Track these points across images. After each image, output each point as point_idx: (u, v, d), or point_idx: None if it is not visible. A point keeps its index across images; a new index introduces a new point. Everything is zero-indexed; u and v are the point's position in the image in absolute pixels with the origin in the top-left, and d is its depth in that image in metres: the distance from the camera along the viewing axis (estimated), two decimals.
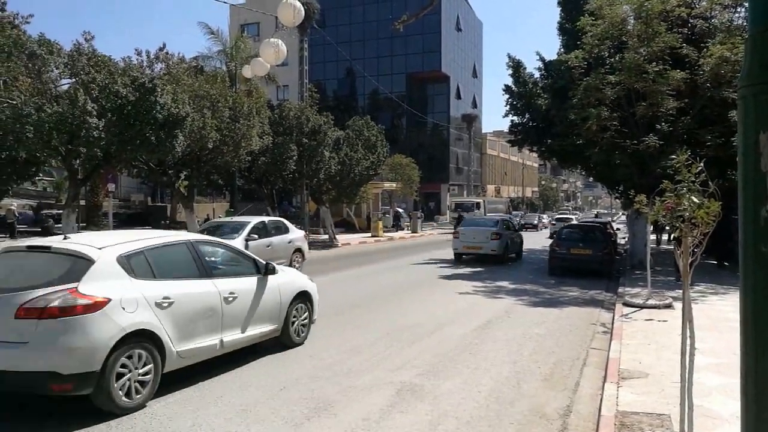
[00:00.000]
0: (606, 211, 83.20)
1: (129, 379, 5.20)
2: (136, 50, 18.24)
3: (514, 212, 56.68)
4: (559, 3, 22.35)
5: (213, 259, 6.90)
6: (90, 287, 5.13)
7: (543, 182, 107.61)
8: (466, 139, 68.78)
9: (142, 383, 5.33)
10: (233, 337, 6.56)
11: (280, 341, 7.50)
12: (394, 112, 60.31)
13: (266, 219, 16.25)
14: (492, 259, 19.41)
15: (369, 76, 55.64)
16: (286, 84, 46.45)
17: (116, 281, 5.37)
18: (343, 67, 62.25)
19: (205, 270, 6.42)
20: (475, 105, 73.31)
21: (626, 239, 25.10)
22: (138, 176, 33.05)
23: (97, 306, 5.04)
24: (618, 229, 26.82)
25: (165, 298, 5.65)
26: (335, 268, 17.47)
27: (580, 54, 16.41)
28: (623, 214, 59.46)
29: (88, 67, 15.84)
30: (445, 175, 62.91)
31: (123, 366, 5.15)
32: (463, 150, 68.61)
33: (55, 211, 30.25)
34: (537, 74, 23.23)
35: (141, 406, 5.31)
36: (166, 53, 19.05)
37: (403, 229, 39.73)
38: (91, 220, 32.82)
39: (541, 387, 6.27)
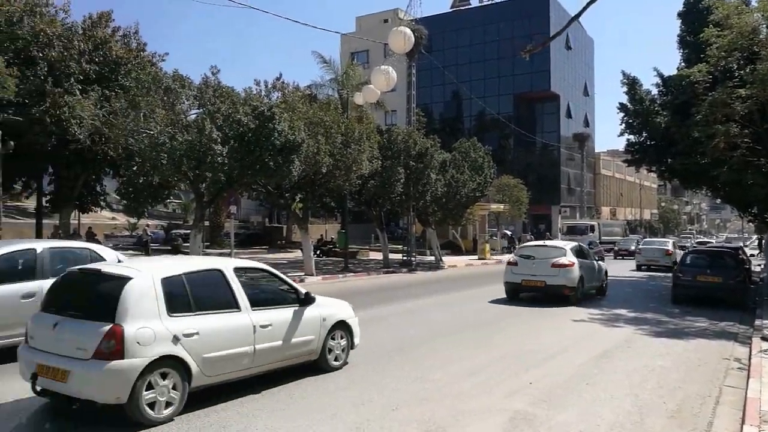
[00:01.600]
0: (736, 235, 76.40)
1: None
2: (255, 80, 19.52)
3: (631, 235, 53.57)
4: (679, 15, 21.29)
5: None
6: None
7: (663, 204, 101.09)
8: (577, 159, 66.29)
9: None
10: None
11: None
12: (501, 133, 59.46)
13: (41, 247, 8.45)
14: (665, 269, 26.26)
15: (476, 98, 55.39)
16: (394, 109, 47.36)
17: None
18: (449, 90, 62.46)
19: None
20: (587, 124, 70.61)
21: (762, 266, 22.96)
22: (257, 199, 35.09)
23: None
24: (752, 255, 24.63)
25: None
26: (442, 289, 17.48)
27: (704, 67, 15.41)
28: (758, 238, 54.24)
29: (214, 98, 17.15)
30: (556, 197, 60.87)
31: None
32: (574, 170, 66.17)
33: (183, 231, 32.64)
34: (654, 91, 22.21)
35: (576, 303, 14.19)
36: (282, 82, 20.23)
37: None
38: (215, 240, 35.14)
39: (668, 424, 5.84)
